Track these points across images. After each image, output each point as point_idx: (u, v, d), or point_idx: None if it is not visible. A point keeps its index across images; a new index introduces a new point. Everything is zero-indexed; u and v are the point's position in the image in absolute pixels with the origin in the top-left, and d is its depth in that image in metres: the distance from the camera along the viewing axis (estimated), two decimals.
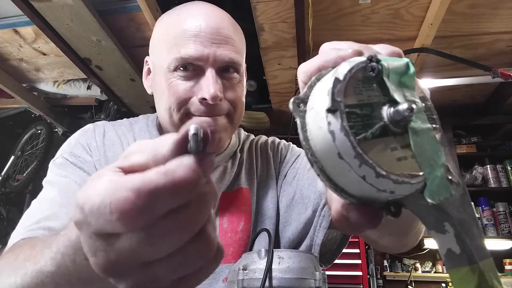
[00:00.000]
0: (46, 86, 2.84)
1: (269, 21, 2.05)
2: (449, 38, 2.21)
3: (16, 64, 2.58)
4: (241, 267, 0.49)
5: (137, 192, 0.22)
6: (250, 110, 2.99)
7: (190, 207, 0.24)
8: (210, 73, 0.63)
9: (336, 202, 0.31)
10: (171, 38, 0.65)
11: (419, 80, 0.31)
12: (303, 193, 0.71)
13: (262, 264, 0.48)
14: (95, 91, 2.80)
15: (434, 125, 0.29)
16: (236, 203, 0.70)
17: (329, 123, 0.25)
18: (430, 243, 2.96)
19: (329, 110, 0.26)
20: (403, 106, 0.26)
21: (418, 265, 3.10)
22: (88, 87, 2.79)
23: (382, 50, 0.32)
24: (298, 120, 0.28)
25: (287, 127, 2.96)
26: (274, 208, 0.73)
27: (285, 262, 0.48)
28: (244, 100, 0.71)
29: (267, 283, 0.46)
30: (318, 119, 0.26)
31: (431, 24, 2.00)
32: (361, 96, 0.27)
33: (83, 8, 1.93)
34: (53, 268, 0.37)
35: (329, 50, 0.31)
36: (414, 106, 0.27)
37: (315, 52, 2.31)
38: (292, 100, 0.29)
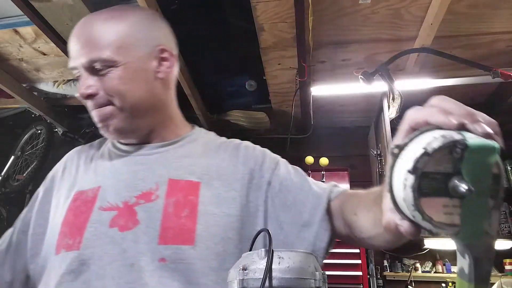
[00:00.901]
0: (46, 86, 2.84)
1: (269, 21, 2.05)
2: (449, 38, 2.21)
3: (16, 64, 2.58)
4: (241, 267, 0.49)
5: None
6: (250, 110, 2.99)
7: None
8: (82, 75, 0.74)
9: (394, 214, 0.40)
10: None
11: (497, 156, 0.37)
12: (296, 198, 0.74)
13: (262, 264, 0.48)
14: None
15: (494, 199, 0.37)
16: (183, 192, 0.72)
17: (405, 179, 0.36)
18: (430, 243, 2.96)
19: (409, 171, 0.36)
20: (464, 186, 0.35)
21: (418, 265, 3.10)
22: None
23: (484, 124, 0.37)
24: (390, 160, 0.39)
25: (287, 127, 2.96)
26: (237, 208, 0.73)
27: (285, 262, 0.48)
28: (130, 85, 0.74)
29: (267, 283, 0.46)
30: (402, 170, 0.37)
31: (431, 24, 2.00)
32: (439, 165, 0.36)
33: (83, 8, 1.94)
34: None
35: (438, 110, 0.38)
36: (473, 188, 0.35)
37: (315, 52, 2.32)
38: (393, 145, 0.39)
